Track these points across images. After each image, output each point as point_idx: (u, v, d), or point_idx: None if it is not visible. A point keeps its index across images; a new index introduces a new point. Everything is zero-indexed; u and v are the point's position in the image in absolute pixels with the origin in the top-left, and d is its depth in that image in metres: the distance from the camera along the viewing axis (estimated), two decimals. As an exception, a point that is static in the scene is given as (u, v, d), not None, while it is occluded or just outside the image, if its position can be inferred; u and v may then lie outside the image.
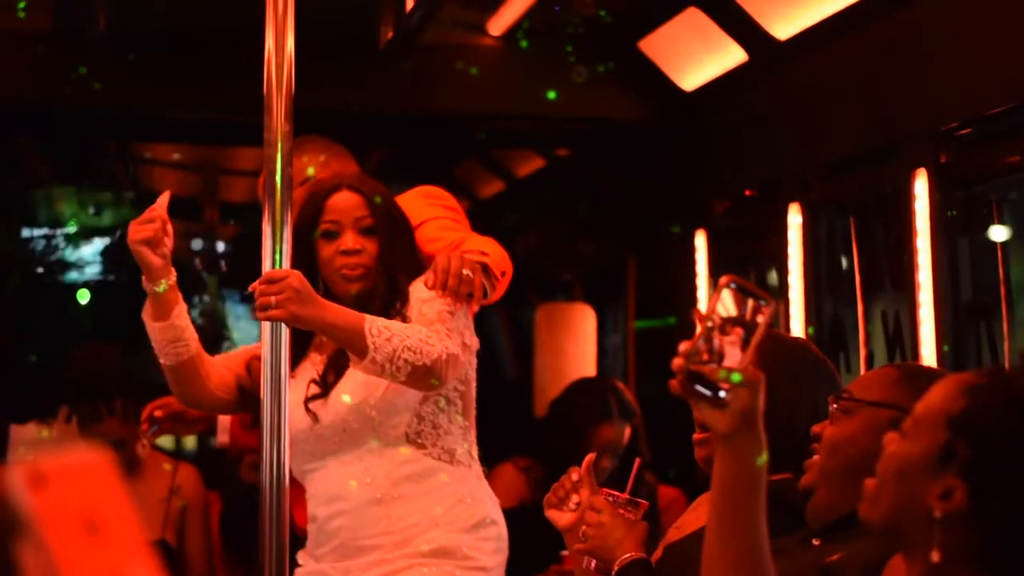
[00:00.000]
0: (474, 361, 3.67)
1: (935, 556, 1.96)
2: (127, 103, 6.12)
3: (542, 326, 7.16)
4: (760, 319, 2.10)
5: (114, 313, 8.32)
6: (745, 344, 2.09)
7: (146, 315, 3.54)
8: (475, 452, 3.71)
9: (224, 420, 4.38)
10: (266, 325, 3.32)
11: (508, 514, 4.62)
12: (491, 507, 3.67)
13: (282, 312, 3.23)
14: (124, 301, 4.10)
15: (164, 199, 3.47)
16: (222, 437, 4.41)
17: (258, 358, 3.47)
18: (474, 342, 3.63)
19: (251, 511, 3.45)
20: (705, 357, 2.08)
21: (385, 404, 3.52)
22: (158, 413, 4.27)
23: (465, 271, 3.44)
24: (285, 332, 3.32)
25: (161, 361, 3.58)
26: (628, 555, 2.93)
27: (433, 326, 3.48)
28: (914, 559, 2.03)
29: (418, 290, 3.58)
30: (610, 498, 3.04)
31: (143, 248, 3.42)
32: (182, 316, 3.55)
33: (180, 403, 4.13)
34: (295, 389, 3.55)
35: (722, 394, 2.08)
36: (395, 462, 3.57)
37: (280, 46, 3.30)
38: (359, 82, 6.03)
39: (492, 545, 3.61)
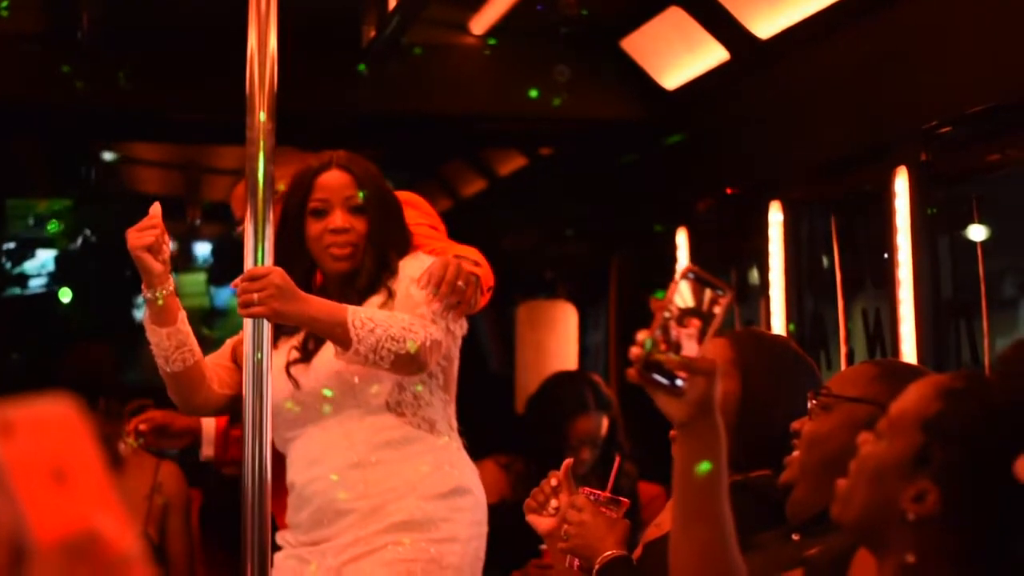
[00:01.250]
0: (459, 340, 3.68)
1: (909, 558, 1.97)
2: (109, 103, 6.12)
3: (524, 324, 7.18)
4: (717, 309, 2.12)
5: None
6: (703, 334, 2.11)
7: (149, 323, 3.53)
8: (454, 425, 3.73)
9: (209, 432, 4.34)
10: (248, 321, 3.33)
11: (489, 510, 4.65)
12: (469, 476, 3.69)
13: (264, 308, 3.24)
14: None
15: (157, 208, 3.47)
16: (207, 450, 4.37)
17: (241, 342, 3.49)
18: (460, 328, 3.63)
19: (232, 506, 3.45)
20: (663, 347, 2.11)
21: (367, 372, 3.53)
22: (143, 427, 4.23)
23: (460, 282, 3.46)
24: (267, 328, 3.33)
25: (168, 370, 3.56)
26: (610, 553, 2.94)
27: (419, 309, 3.50)
28: (885, 560, 2.04)
29: (409, 267, 3.60)
30: (591, 496, 3.05)
31: (144, 254, 3.41)
32: (185, 321, 3.55)
33: (175, 415, 4.15)
34: (277, 357, 3.55)
35: (679, 383, 2.11)
36: (375, 428, 3.59)
37: (263, 44, 3.31)
38: (342, 82, 6.04)
39: (467, 516, 3.62)
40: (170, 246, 3.50)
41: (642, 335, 2.11)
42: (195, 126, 6.88)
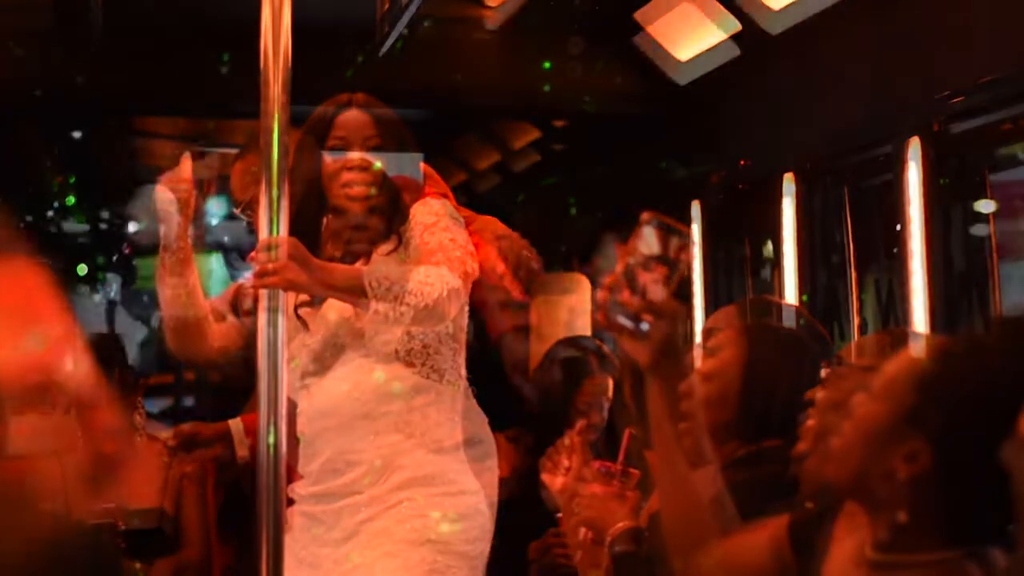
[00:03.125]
0: (469, 286, 3.68)
1: (901, 517, 2.00)
2: (123, 92, 6.15)
3: (538, 297, 7.18)
4: (683, 255, 2.18)
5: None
6: (668, 279, 2.15)
7: (161, 271, 3.60)
8: (463, 373, 3.73)
9: (239, 433, 4.30)
10: (264, 293, 3.33)
11: (501, 484, 4.66)
12: (478, 425, 3.70)
13: (279, 279, 3.25)
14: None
15: (188, 162, 3.53)
16: (241, 451, 4.33)
17: (240, 289, 3.54)
18: (475, 269, 3.64)
19: (248, 484, 3.46)
20: (627, 292, 2.15)
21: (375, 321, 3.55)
22: (172, 443, 4.24)
23: (535, 265, 3.51)
24: (283, 300, 3.33)
25: (171, 315, 3.63)
26: (621, 524, 2.96)
27: (435, 256, 3.50)
28: (878, 518, 2.06)
29: (420, 214, 3.62)
30: (603, 469, 3.07)
31: (169, 207, 3.50)
32: (196, 275, 3.61)
33: (201, 424, 4.19)
34: (288, 303, 3.54)
35: (643, 326, 2.17)
36: (384, 378, 3.59)
37: (277, 17, 3.31)
38: (355, 70, 6.04)
39: (477, 465, 3.65)
40: (202, 199, 3.57)
41: (608, 280, 2.17)
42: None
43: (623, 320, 2.18)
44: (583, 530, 3.14)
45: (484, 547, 3.64)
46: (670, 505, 2.35)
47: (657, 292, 2.17)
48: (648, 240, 2.19)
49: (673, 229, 2.19)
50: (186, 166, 3.55)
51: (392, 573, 3.49)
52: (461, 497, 3.59)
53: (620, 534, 2.95)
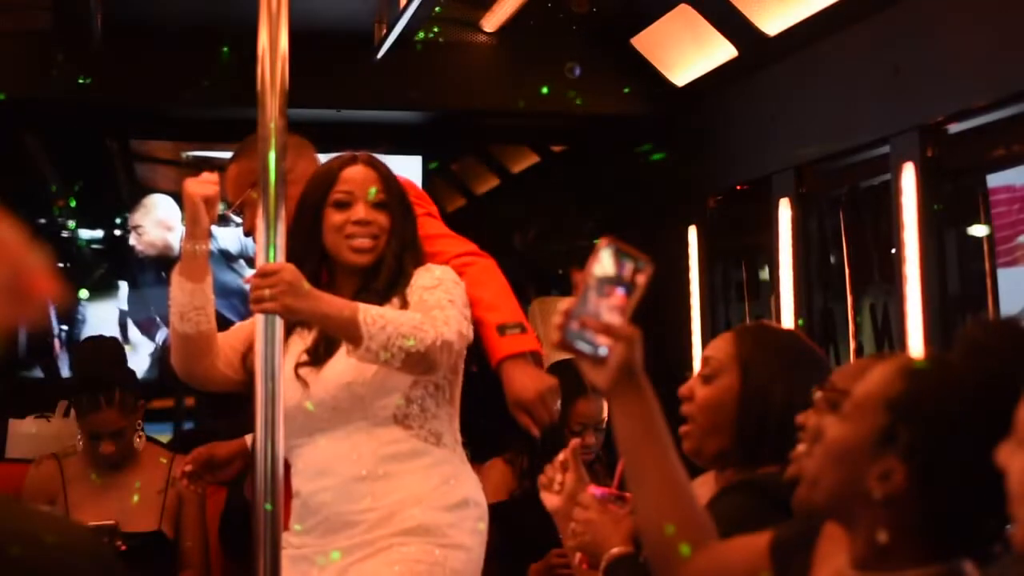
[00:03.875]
0: (464, 353, 3.71)
1: (880, 536, 2.01)
2: (124, 100, 6.17)
3: (536, 320, 7.20)
4: (640, 278, 2.20)
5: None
6: (626, 303, 2.20)
7: (178, 275, 3.60)
8: (459, 438, 3.75)
9: None
10: (260, 318, 3.35)
11: (502, 507, 4.66)
12: (474, 489, 3.72)
13: (276, 305, 3.25)
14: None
15: (214, 174, 3.59)
16: None
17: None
18: (470, 333, 3.67)
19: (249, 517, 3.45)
20: (586, 316, 2.18)
21: (376, 384, 3.56)
22: (188, 468, 4.22)
23: (555, 406, 3.56)
24: (279, 325, 3.34)
25: (180, 329, 3.61)
26: (616, 550, 2.96)
27: (431, 312, 3.53)
28: (855, 537, 2.08)
29: (421, 278, 3.64)
30: (597, 493, 3.08)
31: (200, 203, 3.52)
32: (211, 286, 3.61)
33: (215, 444, 4.18)
34: (287, 360, 3.56)
35: (602, 351, 2.18)
36: (382, 441, 3.60)
37: (274, 40, 3.32)
38: (354, 80, 6.07)
39: (471, 525, 3.65)
40: (218, 209, 3.59)
41: (566, 304, 2.20)
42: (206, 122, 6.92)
43: (581, 344, 2.21)
44: (578, 555, 3.15)
45: None
46: (644, 525, 2.37)
47: (614, 316, 2.20)
48: (605, 265, 2.21)
49: (630, 255, 2.22)
50: (211, 174, 3.58)
51: None
52: (455, 551, 3.60)
53: (615, 560, 2.96)
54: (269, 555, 3.23)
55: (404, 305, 3.61)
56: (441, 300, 3.57)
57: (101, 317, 8.71)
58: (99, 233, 8.92)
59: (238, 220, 4.19)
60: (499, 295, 3.83)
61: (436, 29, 6.05)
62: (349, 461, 3.60)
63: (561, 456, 3.16)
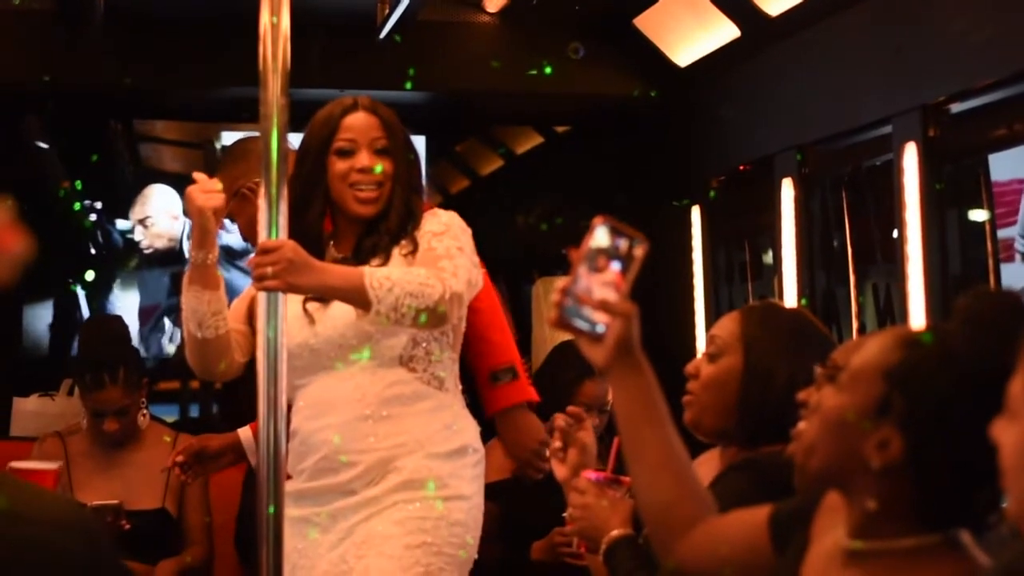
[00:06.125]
0: (472, 295, 3.69)
1: (871, 504, 2.03)
2: (126, 81, 6.16)
3: (540, 300, 7.20)
4: (636, 254, 2.21)
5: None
6: (623, 280, 2.21)
7: (191, 283, 3.60)
8: (459, 384, 3.78)
9: (249, 442, 4.22)
10: (262, 296, 3.34)
11: (504, 485, 4.67)
12: (472, 435, 3.74)
13: (278, 282, 3.25)
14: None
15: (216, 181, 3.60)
16: (253, 459, 4.28)
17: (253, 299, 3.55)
18: (479, 281, 3.66)
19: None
20: (582, 293, 2.18)
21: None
22: (180, 459, 4.23)
23: (548, 450, 3.65)
24: (282, 303, 3.33)
25: (199, 335, 3.62)
26: (615, 533, 2.97)
27: (440, 262, 3.52)
28: (853, 507, 2.09)
29: (428, 223, 3.64)
30: (593, 478, 3.08)
31: (209, 215, 3.51)
32: (223, 289, 3.63)
33: (207, 436, 4.21)
34: (292, 302, 3.55)
35: (599, 328, 2.18)
36: (387, 382, 3.61)
37: (276, 19, 3.32)
38: (355, 61, 6.07)
39: (469, 472, 3.68)
40: (224, 215, 3.62)
41: (563, 282, 2.22)
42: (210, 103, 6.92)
43: (578, 322, 2.21)
44: (577, 540, 3.16)
45: (475, 552, 3.67)
46: (644, 502, 2.38)
47: (610, 292, 2.20)
48: (600, 242, 2.22)
49: (624, 232, 2.22)
50: (210, 182, 3.57)
51: (386, 575, 3.51)
52: (456, 502, 3.62)
53: (613, 543, 2.97)
54: (272, 536, 3.23)
55: (414, 247, 3.61)
56: (450, 248, 3.58)
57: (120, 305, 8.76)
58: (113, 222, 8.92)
59: (231, 229, 4.22)
60: (490, 325, 3.91)
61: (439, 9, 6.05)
62: (353, 400, 3.61)
63: (559, 421, 3.17)
